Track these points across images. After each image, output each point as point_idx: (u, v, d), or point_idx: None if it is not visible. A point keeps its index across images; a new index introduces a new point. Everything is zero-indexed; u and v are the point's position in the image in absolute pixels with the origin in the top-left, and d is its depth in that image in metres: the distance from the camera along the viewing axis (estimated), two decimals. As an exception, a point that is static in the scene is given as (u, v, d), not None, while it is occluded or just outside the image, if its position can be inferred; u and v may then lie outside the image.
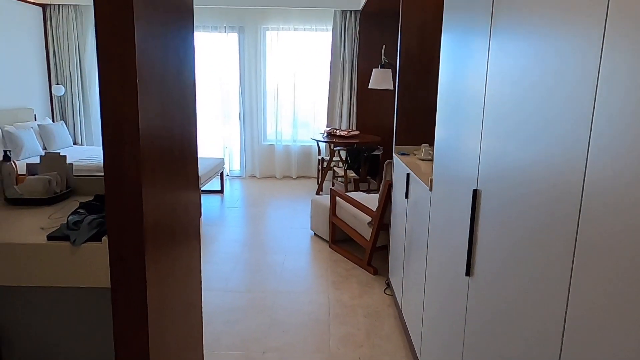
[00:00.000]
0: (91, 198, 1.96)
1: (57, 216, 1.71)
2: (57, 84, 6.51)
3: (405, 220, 2.69)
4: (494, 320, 1.30)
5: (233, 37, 6.72)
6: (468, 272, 1.53)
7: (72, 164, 2.05)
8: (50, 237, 1.49)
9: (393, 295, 3.12)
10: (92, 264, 1.48)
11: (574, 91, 0.90)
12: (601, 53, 0.82)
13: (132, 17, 1.33)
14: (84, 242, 1.47)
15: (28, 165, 2.05)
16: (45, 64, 6.51)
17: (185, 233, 1.95)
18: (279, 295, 3.19)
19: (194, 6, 6.16)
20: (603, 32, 0.81)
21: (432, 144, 3.01)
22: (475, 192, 1.47)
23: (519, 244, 1.14)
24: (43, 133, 5.73)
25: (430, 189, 2.10)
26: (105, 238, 1.48)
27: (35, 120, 6.14)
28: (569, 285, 0.91)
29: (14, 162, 2.00)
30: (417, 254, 2.37)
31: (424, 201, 2.24)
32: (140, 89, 1.40)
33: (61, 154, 2.04)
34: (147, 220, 1.49)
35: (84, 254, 1.48)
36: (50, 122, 6.18)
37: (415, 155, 3.02)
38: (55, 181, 1.97)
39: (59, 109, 6.64)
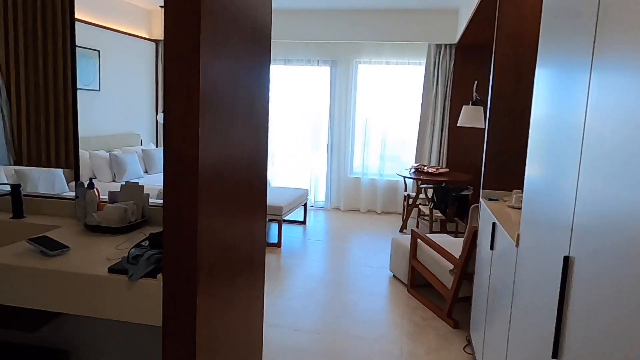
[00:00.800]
0: (161, 229, 1.98)
1: (124, 247, 1.74)
2: (162, 112, 7.03)
3: (490, 274, 2.43)
4: (585, 423, 1.05)
5: (325, 70, 6.82)
6: (555, 354, 1.28)
7: (149, 194, 2.11)
8: (110, 270, 1.50)
9: (473, 354, 2.82)
10: (147, 300, 1.47)
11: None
12: None
13: (199, 52, 1.32)
14: (140, 277, 1.46)
15: (110, 192, 2.15)
16: (154, 94, 7.08)
17: (246, 268, 1.90)
18: (349, 339, 3.02)
19: (290, 41, 6.39)
20: None
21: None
22: (567, 260, 1.23)
23: (625, 328, 0.91)
24: (146, 157, 6.18)
25: (517, 245, 1.86)
26: (160, 275, 1.46)
27: (141, 145, 6.66)
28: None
29: (97, 189, 2.10)
30: (499, 315, 2.11)
31: (509, 257, 1.99)
32: (204, 124, 1.39)
33: (139, 184, 2.11)
34: (203, 261, 1.45)
35: (140, 289, 1.47)
36: (154, 147, 6.67)
37: (505, 201, 2.75)
38: (131, 210, 2.03)
39: (162, 135, 7.15)
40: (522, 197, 2.54)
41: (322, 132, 6.99)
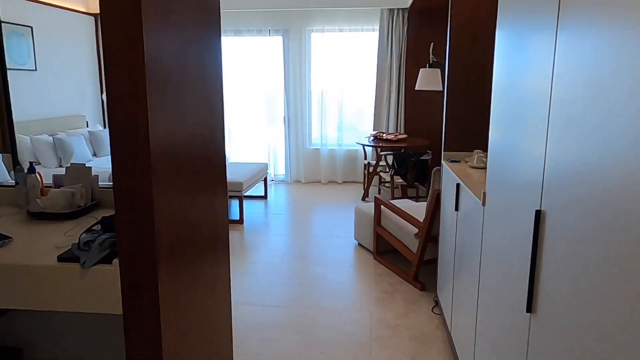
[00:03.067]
0: (114, 212, 1.85)
1: (73, 233, 1.61)
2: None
3: (455, 235, 2.44)
4: (564, 374, 1.05)
5: (277, 40, 6.63)
6: (529, 309, 1.28)
7: (98, 175, 1.96)
8: (60, 258, 1.38)
9: (442, 314, 2.86)
10: (103, 288, 1.36)
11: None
12: None
13: (140, 22, 1.19)
14: (94, 264, 1.35)
15: (54, 176, 1.98)
16: (97, 72, 6.68)
17: (210, 247, 1.81)
18: (319, 311, 3.01)
19: (239, 10, 6.13)
20: None
21: (485, 149, 2.73)
22: (539, 214, 1.22)
23: (598, 277, 0.90)
24: (93, 139, 5.87)
25: (483, 203, 1.85)
26: (116, 261, 1.36)
27: (87, 126, 6.31)
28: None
29: (39, 173, 1.93)
30: (467, 275, 2.12)
31: (475, 216, 1.99)
32: (152, 98, 1.27)
33: (87, 165, 1.96)
34: (162, 240, 1.36)
35: (94, 277, 1.36)
36: (101, 128, 6.33)
37: (466, 162, 2.76)
38: (80, 194, 1.88)
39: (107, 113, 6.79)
40: (483, 156, 2.55)
41: (278, 104, 6.84)
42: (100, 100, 6.73)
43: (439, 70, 4.46)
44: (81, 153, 5.33)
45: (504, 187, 1.59)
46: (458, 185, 2.38)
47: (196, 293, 1.66)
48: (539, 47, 1.29)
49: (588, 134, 0.96)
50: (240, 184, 4.82)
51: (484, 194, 1.84)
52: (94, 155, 5.81)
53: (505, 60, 1.66)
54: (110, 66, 1.23)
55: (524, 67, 1.42)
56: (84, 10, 6.31)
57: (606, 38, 0.90)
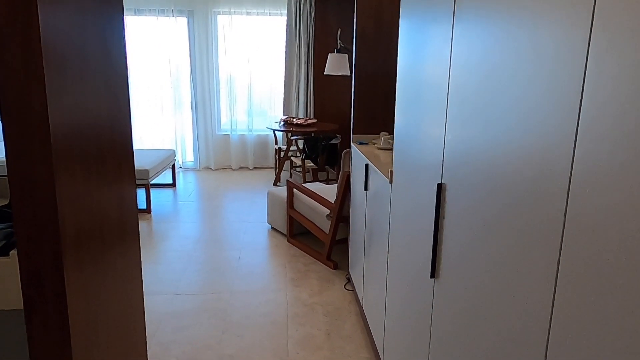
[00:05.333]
0: (6, 202, 1.70)
1: (-40, 226, 1.46)
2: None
3: (365, 213, 2.56)
4: (464, 326, 1.17)
5: (182, 21, 6.37)
6: (433, 274, 1.40)
7: (-15, 163, 1.78)
8: (-54, 253, 1.25)
9: (354, 290, 3.00)
10: None
11: (552, 76, 0.77)
12: (590, 36, 0.68)
13: (34, -12, 1.10)
14: (-12, 257, 1.24)
15: None
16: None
17: (119, 235, 1.74)
18: (234, 295, 3.00)
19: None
20: (591, 15, 0.67)
21: (391, 132, 2.88)
22: (440, 187, 1.33)
23: (492, 245, 1.01)
24: (-28, 126, 5.25)
25: (391, 182, 1.97)
26: (13, 252, 1.26)
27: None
28: (555, 285, 0.78)
29: None
30: (377, 250, 2.25)
31: (383, 194, 2.11)
32: (50, 77, 1.18)
33: (-29, 152, 1.77)
34: (67, 228, 1.28)
35: (-11, 271, 1.25)
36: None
37: (374, 144, 2.89)
38: (-36, 183, 1.70)
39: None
40: (389, 138, 2.69)
41: (185, 88, 6.60)
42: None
43: (346, 55, 4.58)
44: (-42, 141, 4.76)
45: (409, 165, 1.70)
46: (367, 165, 2.49)
47: (106, 283, 1.59)
48: (438, 36, 1.39)
49: (477, 117, 1.06)
50: (147, 171, 4.62)
51: (391, 172, 1.95)
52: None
53: (408, 48, 1.76)
54: (0, 41, 1.12)
55: (425, 54, 1.53)
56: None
57: (492, 32, 1.00)
